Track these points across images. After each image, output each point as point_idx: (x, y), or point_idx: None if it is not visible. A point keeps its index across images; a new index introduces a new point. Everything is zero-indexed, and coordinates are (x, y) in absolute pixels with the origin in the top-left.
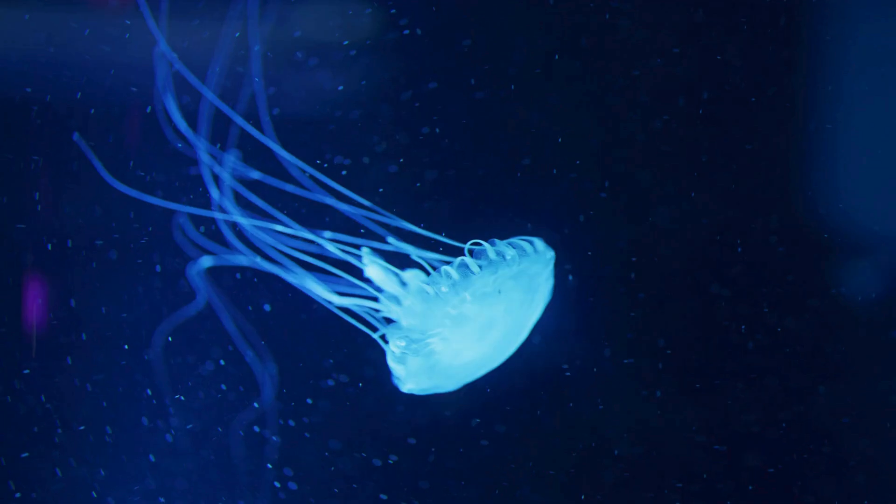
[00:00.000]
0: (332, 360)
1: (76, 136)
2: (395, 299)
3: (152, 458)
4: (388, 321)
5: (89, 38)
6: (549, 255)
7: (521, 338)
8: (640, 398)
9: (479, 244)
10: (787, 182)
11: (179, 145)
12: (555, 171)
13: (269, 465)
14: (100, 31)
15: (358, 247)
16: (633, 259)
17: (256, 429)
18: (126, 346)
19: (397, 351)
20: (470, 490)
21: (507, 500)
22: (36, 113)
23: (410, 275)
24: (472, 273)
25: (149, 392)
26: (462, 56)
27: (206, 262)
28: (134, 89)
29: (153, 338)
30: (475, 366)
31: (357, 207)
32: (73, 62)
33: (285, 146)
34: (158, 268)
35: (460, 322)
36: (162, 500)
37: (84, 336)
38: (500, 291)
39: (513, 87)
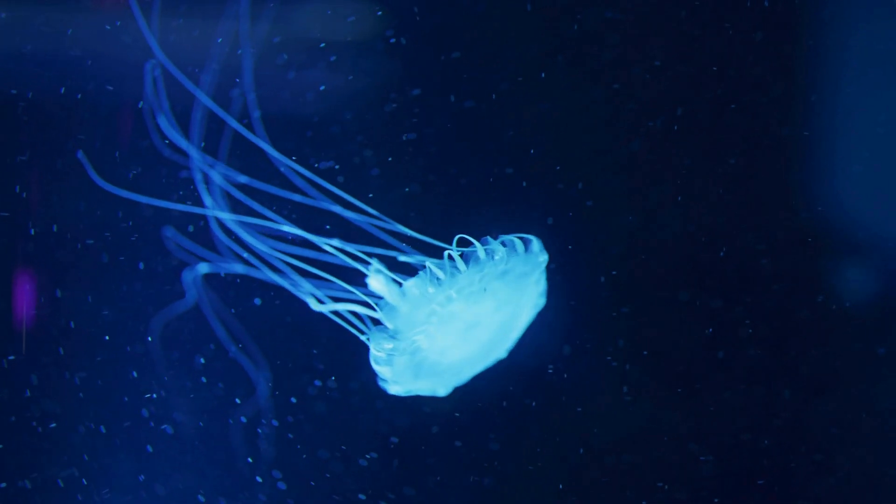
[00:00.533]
0: (316, 361)
1: (80, 154)
2: (388, 305)
3: (136, 451)
4: (375, 322)
5: (73, 35)
6: (542, 257)
7: (511, 339)
8: (623, 403)
9: (469, 241)
10: (774, 189)
11: (167, 142)
12: (542, 179)
13: (250, 460)
14: (84, 28)
15: (363, 254)
16: (620, 263)
17: (243, 419)
18: (107, 337)
19: (383, 354)
20: (450, 488)
21: (487, 497)
22: (22, 110)
23: (410, 283)
24: (459, 271)
25: (134, 374)
26: (448, 64)
27: (202, 268)
28: (113, 87)
29: (139, 335)
30: (462, 366)
31: (346, 209)
32: (56, 59)
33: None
34: (142, 265)
35: (446, 319)
36: (142, 480)
37: (72, 324)
38: (485, 289)
39: (494, 96)
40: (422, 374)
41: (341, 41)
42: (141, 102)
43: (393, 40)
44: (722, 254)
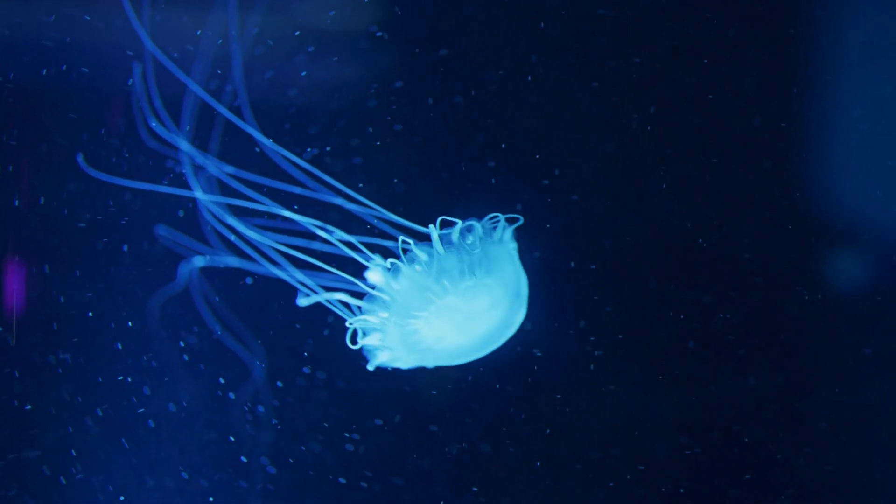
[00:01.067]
0: (302, 344)
1: (80, 157)
2: (381, 290)
3: (120, 430)
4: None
5: (55, 21)
6: (510, 240)
7: (504, 337)
8: (606, 391)
9: (451, 223)
10: (760, 182)
11: (154, 130)
12: (525, 172)
13: (232, 438)
14: (67, 13)
15: (361, 245)
16: (605, 255)
17: (231, 395)
18: (90, 314)
19: (376, 320)
20: (429, 470)
21: (466, 480)
22: (8, 92)
23: (399, 266)
24: (438, 252)
25: (119, 345)
26: (433, 58)
27: (198, 261)
28: (100, 73)
29: (125, 317)
30: (455, 354)
31: (333, 197)
32: (39, 44)
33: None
34: (126, 247)
35: (444, 310)
36: (126, 458)
37: (62, 298)
38: (475, 274)
39: (473, 92)
40: (413, 352)
41: (322, 33)
42: (130, 81)
43: (379, 34)
44: (701, 241)
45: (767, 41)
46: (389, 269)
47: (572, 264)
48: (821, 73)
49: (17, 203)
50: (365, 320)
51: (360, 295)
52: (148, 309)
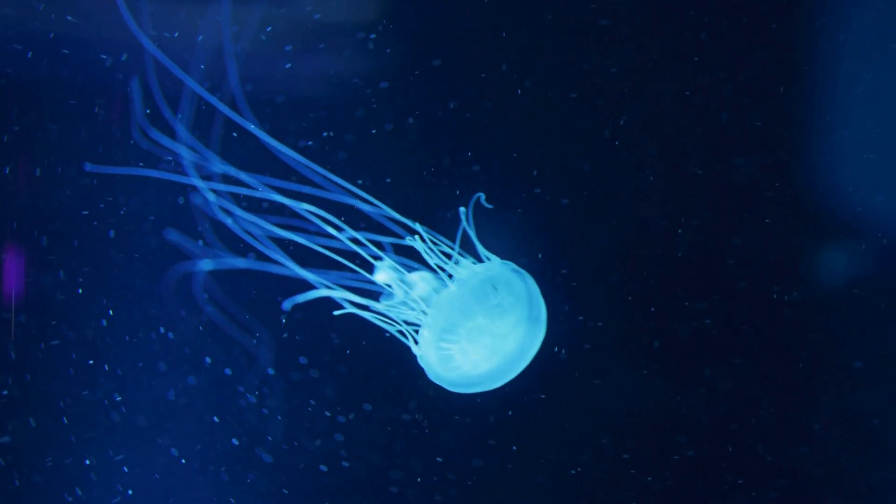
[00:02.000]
0: (295, 332)
1: (88, 166)
2: (398, 297)
3: (113, 412)
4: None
5: (45, 10)
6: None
7: (529, 355)
8: (594, 386)
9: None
10: (749, 181)
11: (148, 111)
12: (520, 179)
13: (216, 419)
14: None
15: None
16: (600, 257)
17: (227, 371)
18: (80, 291)
19: (426, 335)
20: (417, 458)
21: (449, 467)
22: (7, 81)
23: (416, 277)
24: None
25: (104, 322)
26: (422, 64)
27: (205, 264)
28: (94, 62)
29: (117, 304)
30: (486, 377)
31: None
32: (30, 35)
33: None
34: (112, 233)
35: (473, 332)
36: (118, 440)
37: (61, 277)
38: (497, 290)
39: (453, 105)
40: (449, 378)
41: (308, 32)
42: (125, 56)
43: (373, 36)
44: (688, 239)
45: (744, 42)
46: (422, 283)
47: (563, 270)
48: (799, 73)
49: (6, 169)
50: (400, 320)
51: (358, 291)
52: (145, 294)
